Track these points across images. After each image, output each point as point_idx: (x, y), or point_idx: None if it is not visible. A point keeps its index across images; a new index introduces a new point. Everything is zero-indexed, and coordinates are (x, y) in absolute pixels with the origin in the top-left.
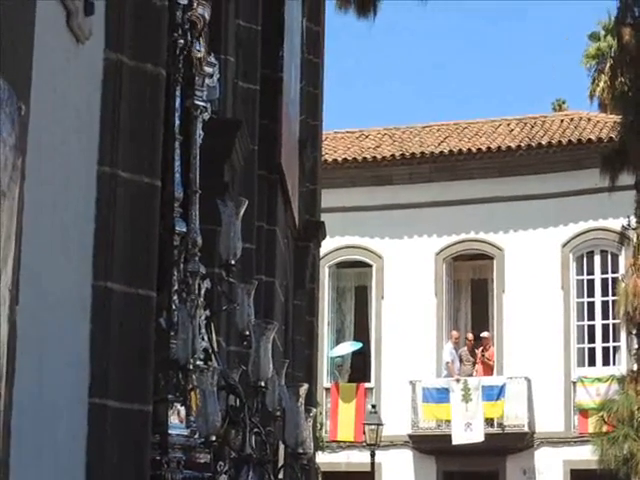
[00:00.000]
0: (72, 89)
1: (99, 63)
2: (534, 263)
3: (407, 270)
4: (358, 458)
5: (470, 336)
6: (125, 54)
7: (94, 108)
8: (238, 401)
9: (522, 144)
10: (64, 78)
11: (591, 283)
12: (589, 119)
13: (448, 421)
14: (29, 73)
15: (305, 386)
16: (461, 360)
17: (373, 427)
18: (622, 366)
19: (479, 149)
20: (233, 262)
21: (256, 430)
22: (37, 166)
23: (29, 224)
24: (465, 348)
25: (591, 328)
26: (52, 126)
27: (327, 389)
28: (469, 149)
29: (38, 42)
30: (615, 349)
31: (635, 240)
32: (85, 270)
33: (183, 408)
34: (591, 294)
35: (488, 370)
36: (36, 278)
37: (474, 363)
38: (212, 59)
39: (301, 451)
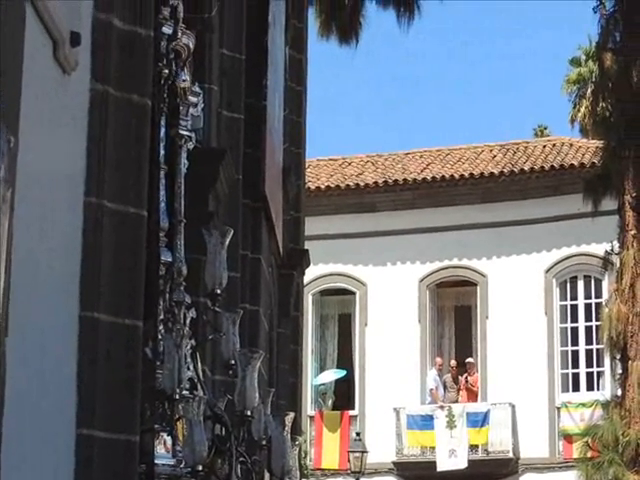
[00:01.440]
0: (59, 120)
1: (85, 93)
2: (517, 289)
3: (391, 297)
4: None
5: (453, 363)
6: (111, 85)
7: (80, 138)
8: (224, 430)
9: (505, 170)
10: (51, 109)
11: (574, 308)
12: (571, 144)
13: (433, 448)
14: (18, 105)
15: (291, 415)
16: (445, 387)
17: (358, 455)
18: (606, 391)
19: (462, 175)
20: (219, 291)
21: (242, 459)
22: (24, 197)
23: (16, 255)
24: (449, 374)
25: (575, 353)
26: (39, 157)
27: (311, 417)
28: (452, 175)
29: (26, 74)
30: (599, 374)
31: (618, 265)
32: (72, 300)
33: (169, 438)
34: (574, 319)
35: (472, 396)
36: (24, 309)
37: (458, 389)
38: (196, 88)
39: None
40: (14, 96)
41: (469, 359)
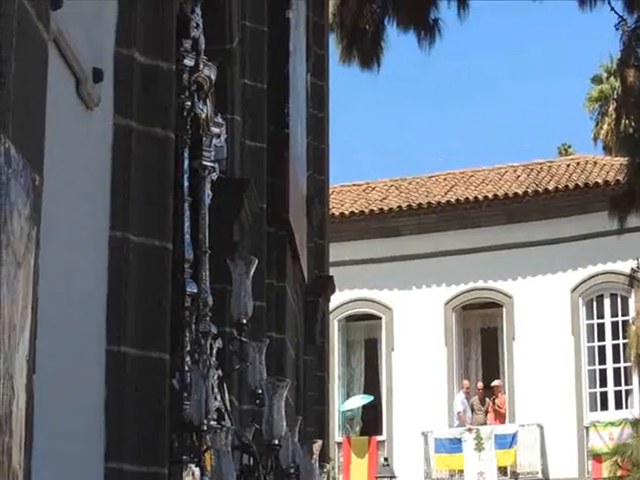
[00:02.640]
0: (83, 155)
1: (109, 128)
2: (543, 309)
3: (416, 321)
4: None
5: (480, 385)
6: (134, 119)
7: (105, 173)
8: (252, 460)
9: (529, 190)
10: (75, 145)
11: (601, 327)
12: (595, 162)
13: (461, 471)
14: (42, 143)
15: (319, 442)
16: (473, 409)
17: None
18: (635, 409)
19: (486, 197)
20: (244, 321)
21: None
22: (50, 233)
23: (42, 292)
24: (476, 397)
25: (603, 372)
26: (64, 193)
27: (339, 443)
28: (476, 197)
29: (49, 111)
30: (627, 392)
31: None
32: (99, 334)
33: (198, 469)
34: (602, 338)
35: (500, 418)
36: (51, 345)
37: (486, 412)
38: (219, 119)
39: None
40: (38, 134)
41: (496, 381)
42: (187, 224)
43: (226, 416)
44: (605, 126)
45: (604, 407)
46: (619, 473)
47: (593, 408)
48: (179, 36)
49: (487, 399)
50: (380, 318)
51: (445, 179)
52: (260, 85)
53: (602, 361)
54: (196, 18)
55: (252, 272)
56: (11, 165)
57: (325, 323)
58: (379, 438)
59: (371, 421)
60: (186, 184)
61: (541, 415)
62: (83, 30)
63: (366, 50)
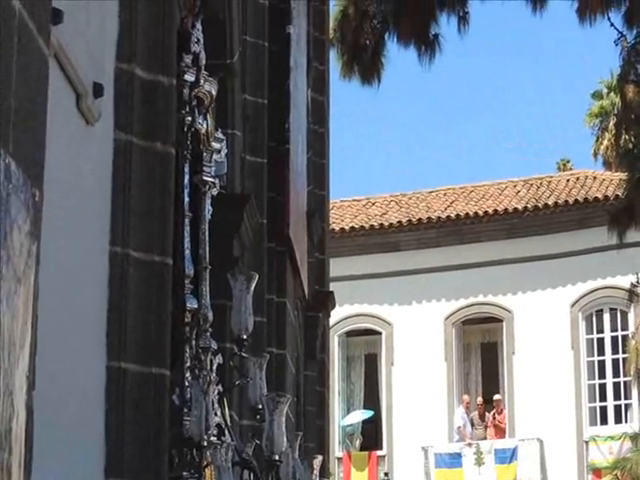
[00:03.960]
0: (83, 171)
1: (109, 144)
2: (543, 324)
3: (416, 336)
4: None
5: (480, 400)
6: (134, 134)
7: (105, 188)
8: (253, 476)
9: (529, 205)
10: (75, 160)
11: (601, 341)
12: (595, 177)
13: None
14: (42, 158)
15: (319, 458)
16: (473, 424)
17: None
18: (635, 423)
19: (486, 212)
20: (245, 337)
21: None
22: (50, 249)
23: (42, 308)
24: (476, 412)
25: (602, 386)
26: (64, 209)
27: (339, 458)
28: (476, 212)
29: (50, 126)
30: (627, 407)
31: None
32: (99, 351)
33: None
34: (601, 352)
35: (500, 433)
36: (51, 362)
37: (486, 426)
38: (219, 134)
39: None
40: (39, 149)
41: (496, 396)
42: (187, 239)
43: (226, 432)
44: (605, 141)
45: (604, 421)
46: None
47: (593, 422)
48: (180, 51)
49: (487, 414)
50: (380, 333)
51: (445, 194)
52: (261, 100)
53: (602, 375)
54: (197, 33)
55: (253, 287)
56: (11, 180)
57: (325, 338)
58: (379, 453)
59: (371, 436)
60: (186, 199)
61: (541, 429)
62: (83, 45)
63: (366, 65)
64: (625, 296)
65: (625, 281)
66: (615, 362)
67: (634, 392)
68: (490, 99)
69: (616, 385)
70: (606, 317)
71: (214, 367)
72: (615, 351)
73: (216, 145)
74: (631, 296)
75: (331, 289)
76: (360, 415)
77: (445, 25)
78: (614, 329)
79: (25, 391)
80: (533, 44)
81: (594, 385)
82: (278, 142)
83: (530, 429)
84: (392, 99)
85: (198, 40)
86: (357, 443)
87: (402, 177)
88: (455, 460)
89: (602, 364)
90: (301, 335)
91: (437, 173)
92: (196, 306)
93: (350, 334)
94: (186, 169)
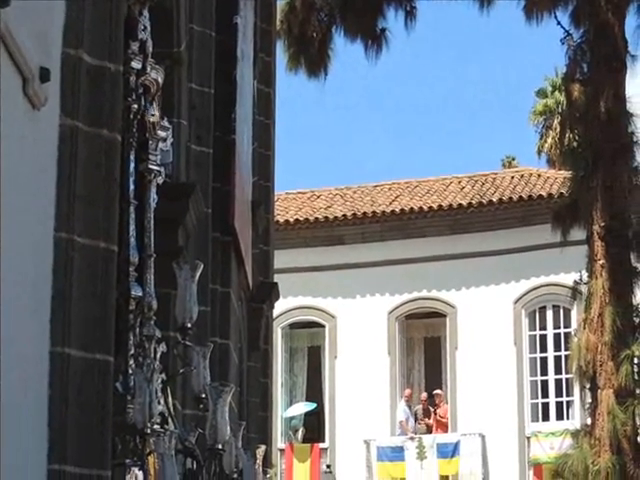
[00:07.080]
0: (28, 155)
1: (55, 129)
2: (487, 320)
3: (360, 329)
4: None
5: (424, 395)
6: (80, 119)
7: (50, 174)
8: (196, 464)
9: (473, 201)
10: (20, 145)
11: (544, 338)
12: (539, 175)
13: (403, 479)
14: None
15: (263, 448)
16: (416, 418)
17: None
18: (576, 420)
19: (430, 207)
20: (189, 325)
21: None
22: None
23: None
24: (420, 406)
25: (544, 383)
26: (9, 193)
27: (281, 450)
28: (420, 207)
29: None
30: (569, 403)
31: (587, 294)
32: (43, 336)
33: (141, 472)
34: (544, 349)
35: (442, 427)
36: None
37: (428, 422)
38: (165, 123)
39: None
40: None
41: (437, 391)
42: (132, 227)
43: (170, 420)
44: (549, 139)
45: (545, 418)
46: None
47: (535, 418)
48: (127, 38)
49: (431, 408)
50: (324, 326)
51: (390, 189)
52: (207, 90)
53: (544, 372)
54: (144, 20)
55: (197, 276)
56: None
57: (269, 330)
58: (321, 445)
59: (314, 428)
60: (132, 187)
61: (483, 425)
62: (31, 29)
63: (313, 58)
64: (568, 293)
65: (568, 278)
66: (557, 359)
67: (576, 389)
68: (436, 94)
69: (558, 382)
70: (549, 314)
71: (158, 355)
72: (557, 348)
73: (162, 134)
74: (574, 293)
75: (275, 281)
76: (303, 407)
77: (392, 20)
78: (557, 326)
79: None
80: (479, 41)
81: (536, 381)
82: (224, 132)
83: (472, 424)
84: (338, 92)
85: (145, 28)
86: (299, 435)
87: (347, 171)
88: (397, 454)
89: (544, 361)
90: (245, 326)
91: (382, 167)
92: (141, 294)
93: (294, 326)
94: (132, 157)
